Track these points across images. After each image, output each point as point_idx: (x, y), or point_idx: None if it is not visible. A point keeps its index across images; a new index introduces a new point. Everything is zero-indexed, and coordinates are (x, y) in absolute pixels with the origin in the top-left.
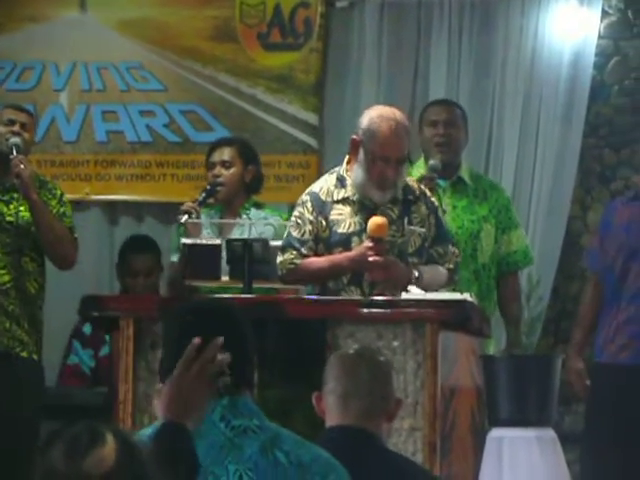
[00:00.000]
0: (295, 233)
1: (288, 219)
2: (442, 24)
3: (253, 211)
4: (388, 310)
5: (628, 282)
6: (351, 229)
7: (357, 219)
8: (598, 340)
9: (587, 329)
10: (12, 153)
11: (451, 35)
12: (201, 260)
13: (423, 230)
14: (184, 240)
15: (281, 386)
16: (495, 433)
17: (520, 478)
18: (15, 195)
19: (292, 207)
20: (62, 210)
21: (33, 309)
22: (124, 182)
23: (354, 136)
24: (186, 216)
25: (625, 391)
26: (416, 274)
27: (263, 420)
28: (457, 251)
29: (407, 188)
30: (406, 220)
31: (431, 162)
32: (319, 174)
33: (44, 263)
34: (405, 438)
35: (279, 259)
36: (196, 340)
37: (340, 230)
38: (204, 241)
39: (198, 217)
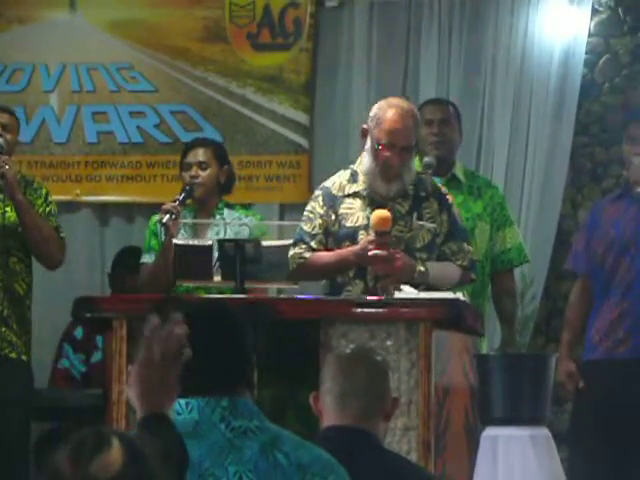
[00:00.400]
0: (306, 227)
1: (261, 220)
2: (432, 23)
3: (226, 211)
4: (381, 309)
5: (619, 277)
6: (358, 223)
7: (366, 213)
8: (590, 338)
9: (577, 330)
10: None
11: (441, 34)
12: (192, 260)
13: (433, 226)
14: (175, 241)
15: (274, 386)
16: (489, 432)
17: (514, 477)
18: (0, 196)
19: (283, 207)
20: (48, 209)
21: (22, 309)
22: (115, 183)
23: (364, 125)
24: (168, 216)
25: (624, 385)
26: (421, 269)
27: (263, 421)
28: (472, 249)
29: (420, 184)
30: (415, 215)
31: (426, 159)
32: (310, 174)
33: (31, 263)
34: (399, 437)
35: (290, 253)
36: (154, 321)
37: (348, 224)
38: (196, 242)
39: (178, 217)
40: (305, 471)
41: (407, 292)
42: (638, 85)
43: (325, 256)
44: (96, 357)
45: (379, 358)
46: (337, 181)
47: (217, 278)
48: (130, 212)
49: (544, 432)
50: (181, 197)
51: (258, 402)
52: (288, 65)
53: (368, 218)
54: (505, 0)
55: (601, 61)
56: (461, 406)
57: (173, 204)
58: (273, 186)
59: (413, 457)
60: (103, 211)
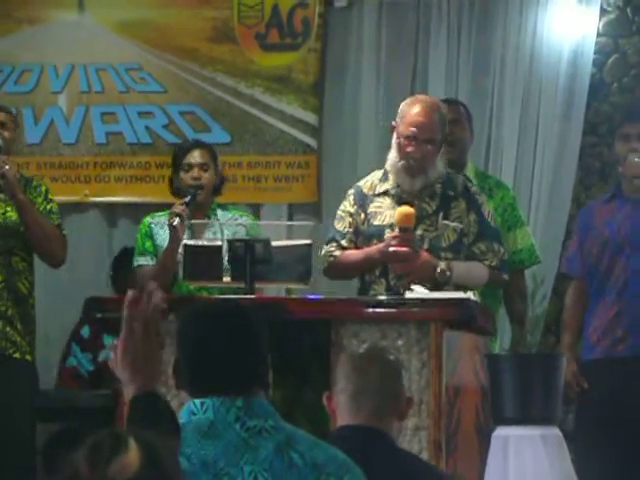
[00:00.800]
0: (337, 226)
1: (254, 219)
2: (441, 23)
3: (219, 212)
4: (392, 309)
5: (614, 277)
6: (386, 221)
7: (393, 212)
8: (588, 337)
9: (576, 331)
10: None
11: (450, 34)
12: (202, 261)
13: (460, 226)
14: (186, 241)
15: (285, 386)
16: (500, 432)
17: (525, 477)
18: (1, 196)
19: (291, 207)
20: (49, 207)
21: (26, 308)
22: (123, 183)
23: (393, 122)
24: (178, 219)
25: (624, 383)
26: (443, 268)
27: (278, 421)
28: (503, 249)
29: (449, 183)
30: (441, 215)
31: None
32: (319, 174)
33: (33, 262)
34: (410, 437)
35: (322, 251)
36: (129, 294)
37: (376, 222)
38: (205, 242)
39: (184, 220)
40: (320, 471)
41: (418, 292)
42: None
43: (353, 254)
44: (103, 356)
45: (392, 357)
46: (370, 180)
47: (227, 279)
48: (138, 213)
49: (555, 432)
50: (188, 199)
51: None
52: (297, 65)
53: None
54: (514, 0)
55: (610, 61)
56: (472, 406)
57: (182, 207)
58: (282, 186)
59: (424, 457)
60: (111, 212)
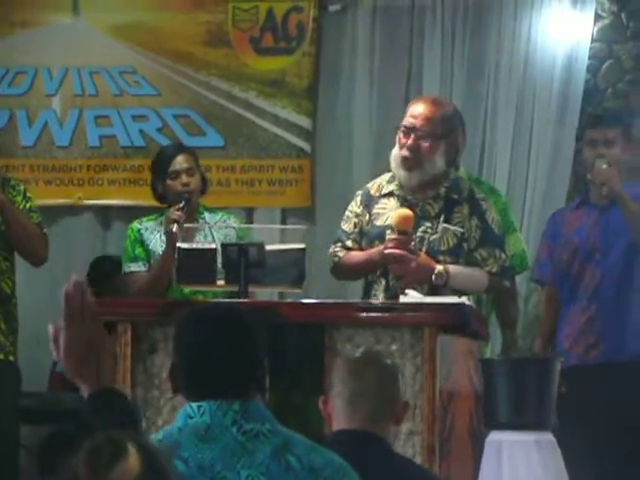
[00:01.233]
0: (343, 226)
1: (241, 222)
2: (435, 28)
3: (207, 215)
4: (386, 314)
5: (584, 283)
6: (387, 222)
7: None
8: (560, 344)
9: (547, 338)
10: None
11: (444, 39)
12: (196, 264)
13: (461, 230)
14: (179, 244)
15: (278, 390)
16: (494, 436)
17: None
18: None
19: (285, 211)
20: (28, 205)
21: (8, 308)
22: (117, 186)
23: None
24: (176, 225)
25: (598, 390)
26: (440, 271)
27: (275, 424)
28: (505, 256)
29: (455, 187)
30: (442, 218)
31: None
32: (312, 178)
33: (14, 261)
34: (404, 442)
35: (329, 251)
36: (66, 287)
37: (379, 223)
38: (199, 245)
39: (181, 225)
40: (317, 475)
41: (412, 296)
42: None
43: (355, 256)
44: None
45: (389, 362)
46: (378, 181)
47: (220, 282)
48: (132, 216)
49: (549, 437)
50: (182, 205)
51: None
52: (291, 69)
53: None
54: (508, 5)
55: (604, 66)
56: (466, 410)
57: (179, 213)
58: (275, 190)
59: (417, 461)
60: (105, 215)
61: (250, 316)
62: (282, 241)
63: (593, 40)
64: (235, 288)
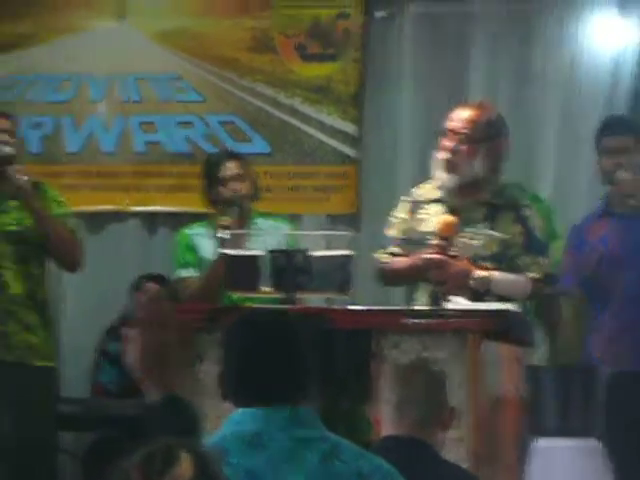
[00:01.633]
0: (388, 232)
1: (294, 229)
2: (480, 34)
3: (260, 221)
4: (432, 320)
5: (611, 293)
6: (431, 228)
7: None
8: (590, 354)
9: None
10: (6, 164)
11: (489, 45)
12: (241, 270)
13: (505, 237)
14: (225, 250)
15: (327, 396)
16: (540, 443)
17: None
18: (12, 203)
19: (330, 218)
20: (62, 211)
21: (46, 314)
22: (163, 193)
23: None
24: (227, 232)
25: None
26: (481, 276)
27: (323, 430)
28: (548, 263)
29: (498, 193)
30: (486, 224)
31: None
32: (358, 185)
33: (49, 268)
34: (450, 448)
35: (375, 257)
36: (142, 298)
37: (423, 229)
38: (245, 252)
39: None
40: None
41: (457, 303)
42: None
43: (400, 262)
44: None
45: (436, 368)
46: (422, 187)
47: (267, 288)
48: (178, 222)
49: (594, 444)
50: (233, 211)
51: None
52: (337, 76)
53: None
54: (554, 13)
55: None
56: (512, 417)
57: (229, 219)
58: (320, 197)
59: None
60: (151, 221)
61: (298, 322)
62: (328, 247)
63: None
64: (281, 295)
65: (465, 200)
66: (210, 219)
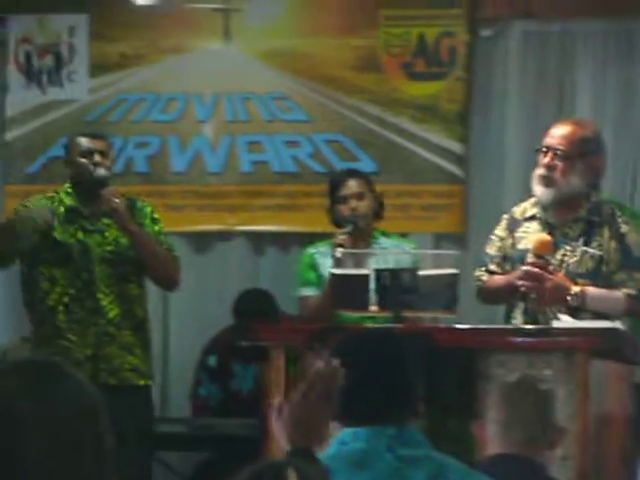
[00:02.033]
0: (488, 250)
1: (415, 248)
2: (587, 53)
3: (382, 239)
4: (539, 339)
5: None
6: (529, 245)
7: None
8: None
9: None
10: (101, 186)
11: (596, 64)
12: (349, 289)
13: (599, 253)
14: (333, 270)
15: (433, 415)
16: None
17: None
18: (107, 221)
19: (437, 237)
20: (157, 229)
21: (144, 334)
22: (270, 213)
23: None
24: (342, 250)
25: None
26: (577, 292)
27: (429, 450)
28: None
29: (595, 210)
30: (582, 240)
31: None
32: (465, 204)
33: (146, 286)
34: (557, 467)
35: (475, 275)
36: (320, 364)
37: (521, 246)
38: (352, 271)
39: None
40: None
41: (565, 321)
42: None
43: (497, 280)
44: (234, 385)
45: (544, 387)
46: (522, 205)
47: (373, 307)
48: (285, 242)
49: None
50: (348, 229)
51: None
52: (443, 94)
53: None
54: None
55: None
56: (618, 435)
57: (344, 237)
58: (428, 216)
59: None
60: (258, 241)
61: (406, 341)
62: (435, 266)
63: None
64: (388, 313)
65: (562, 216)
66: (333, 238)
